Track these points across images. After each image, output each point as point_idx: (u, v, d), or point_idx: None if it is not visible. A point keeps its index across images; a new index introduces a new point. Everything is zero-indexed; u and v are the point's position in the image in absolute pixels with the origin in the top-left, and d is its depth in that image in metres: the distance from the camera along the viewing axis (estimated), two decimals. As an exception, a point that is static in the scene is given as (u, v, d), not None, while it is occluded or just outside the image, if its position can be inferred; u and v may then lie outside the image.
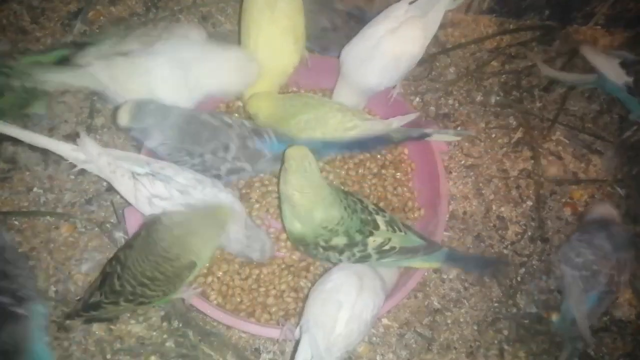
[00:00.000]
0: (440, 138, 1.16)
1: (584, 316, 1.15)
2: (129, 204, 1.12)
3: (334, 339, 0.92)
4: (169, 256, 0.96)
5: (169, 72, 1.10)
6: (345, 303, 0.94)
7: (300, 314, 1.13)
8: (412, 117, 1.18)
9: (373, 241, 1.00)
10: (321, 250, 1.01)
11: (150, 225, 0.99)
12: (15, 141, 1.29)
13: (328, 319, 0.93)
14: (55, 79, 1.16)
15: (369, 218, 1.01)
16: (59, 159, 1.29)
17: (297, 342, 0.96)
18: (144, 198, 1.00)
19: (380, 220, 1.01)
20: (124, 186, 1.01)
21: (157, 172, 1.02)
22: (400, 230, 1.02)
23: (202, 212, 1.01)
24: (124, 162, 1.02)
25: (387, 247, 1.00)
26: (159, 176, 1.01)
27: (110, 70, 1.11)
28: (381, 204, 1.26)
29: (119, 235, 1.24)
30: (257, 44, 1.20)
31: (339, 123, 1.13)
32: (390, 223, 1.02)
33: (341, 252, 1.00)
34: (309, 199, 0.95)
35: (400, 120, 1.16)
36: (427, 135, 1.17)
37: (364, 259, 1.01)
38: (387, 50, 1.15)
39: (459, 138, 1.17)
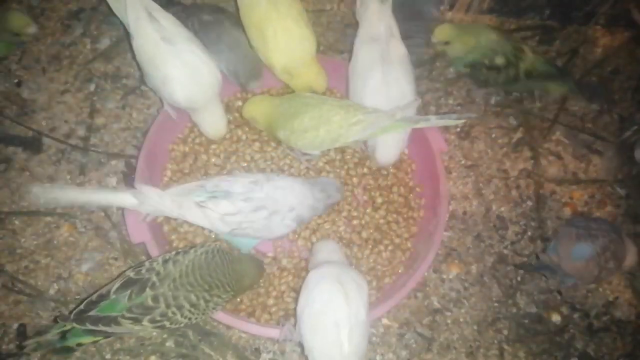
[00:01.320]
0: (443, 123, 1.14)
1: (566, 254, 1.19)
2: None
3: None
4: (222, 285, 0.99)
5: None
6: (341, 320, 0.91)
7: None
8: (414, 104, 1.16)
9: (523, 65, 1.31)
10: (483, 71, 1.33)
11: (212, 250, 1.01)
12: (13, 142, 1.31)
13: (333, 346, 0.91)
14: None
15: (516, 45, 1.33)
16: (60, 158, 1.31)
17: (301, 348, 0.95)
18: (217, 220, 1.02)
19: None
20: (195, 216, 1.03)
21: (214, 190, 1.03)
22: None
23: (257, 262, 1.11)
24: (184, 195, 1.03)
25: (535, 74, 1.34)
26: (219, 195, 1.03)
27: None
28: (382, 204, 1.27)
29: (114, 235, 1.24)
30: (277, 42, 1.18)
31: (343, 119, 1.12)
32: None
33: (500, 70, 1.32)
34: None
35: (403, 109, 1.13)
36: (429, 120, 1.14)
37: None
38: (397, 77, 1.18)
39: (461, 122, 1.16)
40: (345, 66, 1.26)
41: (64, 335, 0.97)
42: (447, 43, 1.32)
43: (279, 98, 1.21)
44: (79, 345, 0.99)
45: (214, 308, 1.00)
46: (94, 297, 0.95)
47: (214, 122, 1.20)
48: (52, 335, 0.97)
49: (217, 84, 1.15)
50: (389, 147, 1.19)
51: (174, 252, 1.00)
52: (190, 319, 0.97)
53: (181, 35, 1.12)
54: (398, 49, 1.20)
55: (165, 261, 0.97)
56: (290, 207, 1.06)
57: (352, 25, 1.55)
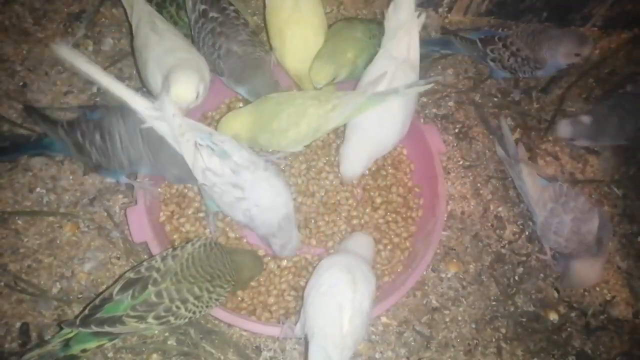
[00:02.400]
0: (412, 91, 1.14)
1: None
2: (131, 205, 1.14)
3: (343, 342, 0.93)
4: (223, 275, 1.01)
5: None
6: (345, 303, 0.95)
7: (300, 312, 1.15)
8: (383, 78, 1.14)
9: None
10: None
11: (209, 243, 1.03)
12: (18, 141, 1.32)
13: (333, 325, 0.94)
14: None
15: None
16: (62, 158, 1.32)
17: (305, 348, 0.97)
18: (199, 168, 1.03)
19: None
20: (186, 151, 1.03)
21: (217, 144, 1.03)
22: None
23: (255, 255, 1.14)
24: (192, 129, 1.04)
25: None
26: (217, 150, 1.03)
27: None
28: (381, 204, 1.28)
29: (116, 235, 1.25)
30: (293, 47, 1.22)
31: (319, 109, 1.12)
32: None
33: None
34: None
35: (373, 85, 1.13)
36: (398, 92, 1.13)
37: None
38: (398, 103, 1.16)
39: (430, 86, 1.14)
40: None
41: (66, 344, 0.96)
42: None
43: (250, 107, 1.17)
44: (84, 351, 0.98)
45: (217, 299, 1.01)
46: (97, 301, 0.96)
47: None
48: (54, 345, 0.96)
49: (199, 69, 1.14)
50: (350, 162, 1.18)
51: (171, 249, 1.01)
52: (194, 312, 0.98)
53: (171, 32, 1.18)
54: (405, 77, 1.17)
55: (164, 258, 0.99)
56: (257, 204, 1.05)
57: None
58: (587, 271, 1.22)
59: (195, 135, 1.02)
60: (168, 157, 1.08)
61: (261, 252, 1.21)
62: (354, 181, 1.25)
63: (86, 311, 0.95)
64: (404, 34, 1.19)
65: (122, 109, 1.06)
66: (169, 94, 1.05)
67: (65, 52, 1.01)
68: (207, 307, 1.00)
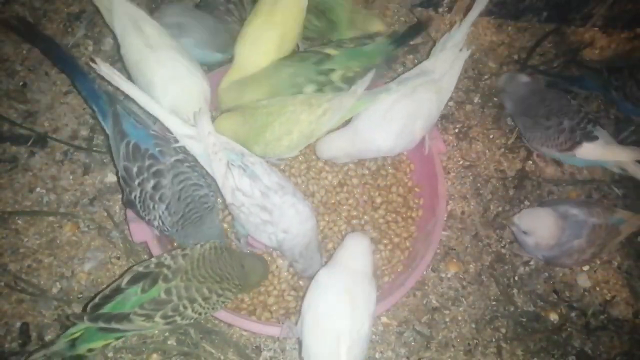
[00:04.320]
0: (404, 88, 1.14)
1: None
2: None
3: None
4: (232, 278, 1.00)
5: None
6: (343, 331, 0.91)
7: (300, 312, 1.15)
8: (369, 77, 1.13)
9: (336, 75, 1.16)
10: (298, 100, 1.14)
11: (219, 246, 1.03)
12: (17, 142, 1.32)
13: (330, 356, 0.91)
14: None
15: (318, 57, 1.17)
16: (62, 158, 1.32)
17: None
18: (229, 188, 1.03)
19: (328, 48, 1.18)
20: (218, 170, 1.03)
21: (248, 166, 1.04)
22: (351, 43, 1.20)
23: (262, 260, 1.13)
24: (225, 148, 1.04)
25: (351, 74, 1.16)
26: (248, 171, 1.03)
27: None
28: (381, 204, 1.28)
29: (116, 235, 1.25)
30: (244, 35, 1.20)
31: (311, 115, 1.12)
32: (339, 43, 1.20)
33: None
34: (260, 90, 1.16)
35: (362, 84, 1.12)
36: (390, 90, 1.13)
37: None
38: (402, 113, 1.15)
39: (422, 79, 1.14)
40: None
41: (73, 344, 0.96)
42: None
43: (241, 115, 1.15)
44: (90, 351, 0.98)
45: (223, 302, 1.01)
46: (108, 291, 0.95)
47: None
48: (60, 345, 0.95)
49: (205, 92, 1.14)
50: (326, 144, 1.20)
51: (179, 249, 1.01)
52: (200, 313, 0.98)
53: (166, 45, 1.12)
54: (426, 94, 1.17)
55: (174, 256, 0.98)
56: (285, 230, 1.04)
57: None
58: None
59: (227, 155, 1.02)
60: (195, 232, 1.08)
61: (258, 252, 1.21)
62: (322, 159, 1.26)
63: (96, 300, 0.94)
64: (446, 58, 1.19)
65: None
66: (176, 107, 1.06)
67: (104, 70, 1.01)
68: (212, 309, 1.00)
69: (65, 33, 1.49)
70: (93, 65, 1.00)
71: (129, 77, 1.14)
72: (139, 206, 1.04)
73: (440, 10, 1.62)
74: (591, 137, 1.28)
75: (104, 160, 1.33)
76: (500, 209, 1.38)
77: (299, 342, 0.99)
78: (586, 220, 1.19)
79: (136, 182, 1.02)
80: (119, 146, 1.04)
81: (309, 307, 0.96)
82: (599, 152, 1.29)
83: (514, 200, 1.39)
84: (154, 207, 1.03)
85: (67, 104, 1.39)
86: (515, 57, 1.59)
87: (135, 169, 1.02)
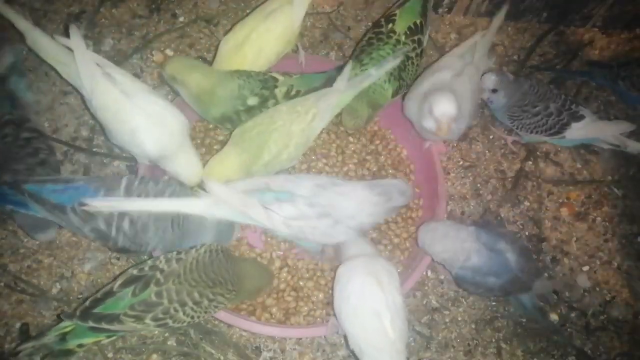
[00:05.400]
0: (384, 70, 1.14)
1: None
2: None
3: (394, 348, 0.93)
4: (225, 282, 1.00)
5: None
6: (380, 308, 0.94)
7: (300, 312, 1.15)
8: (348, 69, 1.13)
9: (280, 91, 1.17)
10: (243, 115, 1.16)
11: (215, 249, 1.02)
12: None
13: (378, 336, 0.93)
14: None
15: (265, 77, 1.18)
16: (62, 159, 1.32)
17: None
18: (279, 223, 1.02)
19: (276, 74, 1.20)
20: (259, 217, 1.01)
21: (279, 190, 1.03)
22: (296, 74, 1.21)
23: (262, 267, 1.14)
24: (249, 194, 1.02)
25: (293, 92, 1.19)
26: (283, 197, 1.02)
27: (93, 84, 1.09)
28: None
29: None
30: (237, 33, 1.22)
31: (301, 123, 1.12)
32: (284, 74, 1.20)
33: (260, 108, 1.16)
34: (207, 85, 1.14)
35: (343, 78, 1.13)
36: (371, 75, 1.13)
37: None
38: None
39: (398, 60, 1.15)
40: (331, 64, 1.30)
41: (63, 338, 0.96)
42: (176, 80, 1.17)
43: (232, 148, 1.13)
44: (80, 346, 0.99)
45: (216, 307, 1.01)
46: (99, 294, 0.95)
47: (189, 167, 1.14)
48: (50, 338, 0.96)
49: (185, 127, 1.13)
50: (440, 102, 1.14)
51: (175, 252, 1.01)
52: (192, 317, 0.97)
53: (139, 88, 1.10)
54: (470, 78, 1.24)
55: (168, 260, 0.98)
56: (351, 216, 1.05)
57: (351, 27, 1.57)
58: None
59: (256, 198, 1.01)
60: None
61: (265, 261, 1.21)
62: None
63: (87, 303, 0.95)
64: (472, 39, 1.29)
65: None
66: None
67: (100, 205, 0.98)
68: (205, 313, 0.99)
69: (66, 34, 1.48)
70: (85, 208, 0.96)
71: (102, 127, 1.14)
72: (133, 248, 1.03)
73: (440, 10, 1.62)
74: (578, 117, 1.31)
75: (104, 161, 1.33)
76: (500, 209, 1.38)
77: (345, 337, 1.01)
78: (513, 268, 1.10)
79: (113, 233, 1.00)
80: (69, 219, 0.99)
81: (340, 303, 0.98)
82: (587, 130, 1.32)
83: (514, 200, 1.39)
84: (145, 239, 1.02)
85: (67, 104, 1.39)
86: (515, 57, 1.59)
87: (102, 224, 0.99)
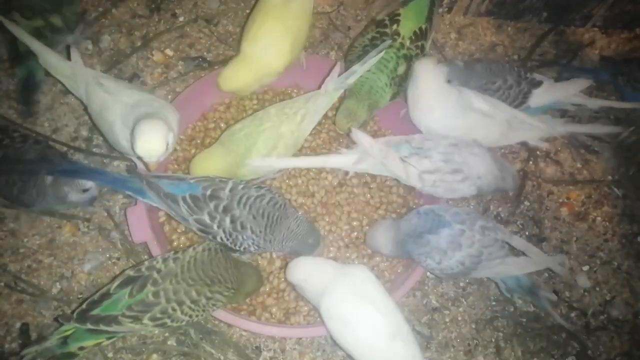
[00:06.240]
0: (368, 66, 1.15)
1: None
2: (132, 205, 1.14)
3: (409, 353, 0.94)
4: (225, 281, 1.01)
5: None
6: (382, 330, 0.94)
7: (300, 312, 1.15)
8: (336, 71, 1.17)
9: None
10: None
11: (214, 248, 1.03)
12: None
13: (387, 349, 0.93)
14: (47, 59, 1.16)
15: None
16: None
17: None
18: (415, 176, 1.10)
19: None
20: (396, 169, 1.11)
21: (419, 147, 1.12)
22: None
23: (258, 271, 1.15)
24: (389, 147, 1.12)
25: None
26: (421, 152, 1.11)
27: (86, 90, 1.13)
28: (381, 204, 1.28)
29: (116, 235, 1.25)
30: (257, 35, 1.20)
31: (290, 124, 1.12)
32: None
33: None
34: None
35: (330, 81, 1.15)
36: (355, 71, 1.15)
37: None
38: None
39: (381, 54, 1.15)
40: (331, 64, 1.27)
41: (64, 341, 0.96)
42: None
43: (219, 147, 1.15)
44: (81, 349, 0.98)
45: (214, 305, 1.01)
46: (96, 296, 0.96)
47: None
48: (52, 342, 0.96)
49: (174, 120, 1.13)
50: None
51: (172, 252, 1.01)
52: (190, 316, 0.98)
53: (126, 86, 1.13)
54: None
55: (165, 260, 0.99)
56: (479, 175, 1.13)
57: (351, 27, 1.57)
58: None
59: (396, 151, 1.11)
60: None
61: (264, 261, 1.21)
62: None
63: (84, 305, 0.95)
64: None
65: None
66: (139, 148, 1.01)
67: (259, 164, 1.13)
68: (203, 311, 1.00)
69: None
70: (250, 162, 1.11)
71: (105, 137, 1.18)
72: (229, 244, 1.06)
73: (440, 10, 1.62)
74: (536, 83, 1.32)
75: (104, 161, 1.33)
76: (500, 209, 1.38)
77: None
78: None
79: (215, 227, 1.04)
80: (178, 208, 1.04)
81: (345, 342, 0.97)
82: (548, 94, 1.33)
83: (514, 200, 1.39)
84: (242, 237, 1.05)
85: (67, 104, 1.39)
86: (515, 57, 1.59)
87: (206, 217, 1.03)
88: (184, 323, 0.99)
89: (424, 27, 1.23)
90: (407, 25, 1.22)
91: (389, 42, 1.19)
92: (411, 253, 1.09)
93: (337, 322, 0.96)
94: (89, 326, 0.93)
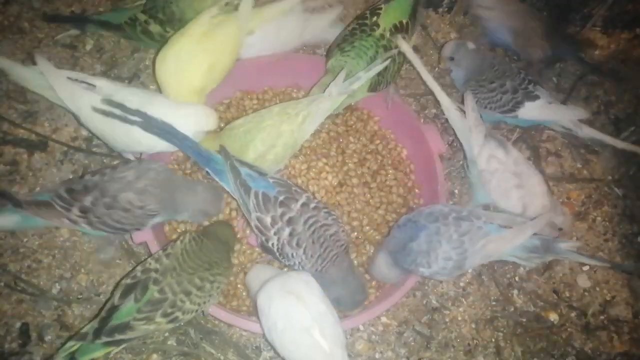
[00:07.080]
0: (373, 73, 1.14)
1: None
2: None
3: (333, 356, 0.94)
4: (221, 262, 1.03)
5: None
6: (307, 323, 0.94)
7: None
8: (342, 77, 1.14)
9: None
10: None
11: (197, 236, 1.04)
12: (17, 144, 1.32)
13: (315, 351, 0.94)
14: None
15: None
16: (62, 159, 1.32)
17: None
18: (486, 154, 1.18)
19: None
20: (477, 139, 1.19)
21: (500, 139, 1.21)
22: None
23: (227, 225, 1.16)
24: (481, 123, 1.20)
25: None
26: (502, 144, 1.20)
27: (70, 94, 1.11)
28: (381, 204, 1.28)
29: (115, 235, 1.25)
30: (179, 54, 1.15)
31: (291, 124, 1.12)
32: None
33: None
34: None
35: (336, 85, 1.13)
36: (360, 78, 1.14)
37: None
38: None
39: (388, 62, 1.16)
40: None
41: (72, 357, 0.96)
42: None
43: (219, 139, 1.14)
44: None
45: (218, 288, 1.02)
46: (104, 313, 0.96)
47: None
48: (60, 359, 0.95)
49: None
50: None
51: (161, 251, 1.02)
52: (199, 304, 0.99)
53: (120, 87, 1.12)
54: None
55: (157, 259, 0.99)
56: (532, 194, 1.18)
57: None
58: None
59: (484, 128, 1.20)
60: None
61: (257, 253, 1.22)
62: None
63: (96, 324, 0.95)
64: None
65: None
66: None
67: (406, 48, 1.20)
68: (210, 296, 1.01)
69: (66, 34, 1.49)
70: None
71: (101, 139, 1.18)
72: (277, 253, 1.06)
73: (440, 10, 1.62)
74: (532, 97, 1.31)
75: (104, 161, 1.33)
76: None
77: None
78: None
79: (272, 232, 1.04)
80: (247, 199, 1.04)
81: (270, 332, 0.98)
82: (540, 111, 1.32)
83: (514, 200, 1.39)
84: (293, 254, 1.04)
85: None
86: (515, 57, 1.59)
87: (269, 220, 1.03)
88: (194, 313, 1.00)
89: (404, 21, 1.23)
90: (387, 18, 1.22)
91: (395, 51, 1.21)
92: (405, 267, 1.08)
93: (262, 314, 0.98)
94: (105, 339, 0.94)
